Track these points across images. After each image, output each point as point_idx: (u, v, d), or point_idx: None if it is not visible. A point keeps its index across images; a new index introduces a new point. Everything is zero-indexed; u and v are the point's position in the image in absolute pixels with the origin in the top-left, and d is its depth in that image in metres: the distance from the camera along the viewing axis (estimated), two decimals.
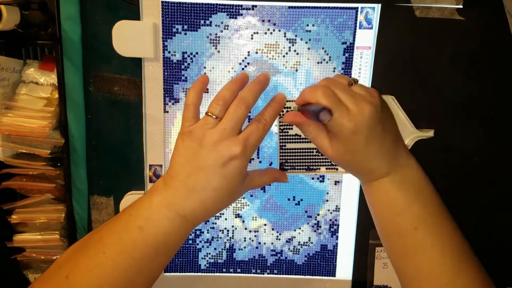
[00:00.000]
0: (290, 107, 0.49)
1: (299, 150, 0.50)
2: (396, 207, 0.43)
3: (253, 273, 0.57)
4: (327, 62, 0.51)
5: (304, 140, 0.50)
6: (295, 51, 0.51)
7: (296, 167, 0.51)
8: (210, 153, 0.40)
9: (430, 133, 0.50)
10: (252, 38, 0.50)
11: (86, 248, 0.40)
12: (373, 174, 0.44)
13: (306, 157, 0.50)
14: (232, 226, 0.56)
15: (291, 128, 0.51)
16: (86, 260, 0.39)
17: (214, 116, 0.42)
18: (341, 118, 0.40)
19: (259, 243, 0.56)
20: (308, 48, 0.50)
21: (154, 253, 0.40)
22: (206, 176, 0.40)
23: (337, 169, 0.50)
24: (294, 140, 0.50)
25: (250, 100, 0.43)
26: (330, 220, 0.55)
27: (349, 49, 0.50)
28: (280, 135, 0.50)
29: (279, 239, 0.56)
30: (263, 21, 0.50)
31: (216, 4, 0.49)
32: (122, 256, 0.38)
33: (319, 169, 0.49)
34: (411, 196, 0.43)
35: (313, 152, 0.50)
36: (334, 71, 0.51)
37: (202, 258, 0.57)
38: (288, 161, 0.50)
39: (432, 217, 0.43)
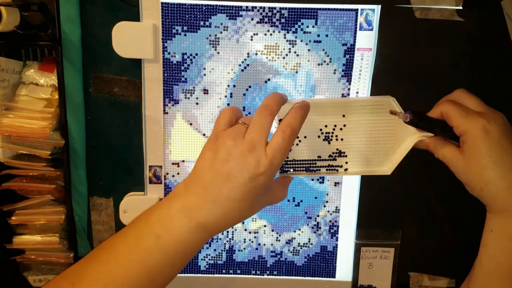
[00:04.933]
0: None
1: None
2: None
3: (253, 274, 0.57)
4: (327, 64, 0.51)
5: (304, 140, 0.50)
6: (295, 52, 0.51)
7: (297, 169, 0.51)
8: (239, 165, 0.38)
9: (430, 134, 0.50)
10: (251, 40, 0.50)
11: (96, 254, 0.39)
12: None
13: (307, 159, 0.50)
14: (232, 227, 0.56)
15: None
16: (95, 267, 0.37)
17: (246, 125, 0.40)
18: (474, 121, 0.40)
19: (259, 244, 0.56)
20: (308, 50, 0.50)
21: (170, 263, 0.38)
22: (232, 187, 0.38)
23: (337, 170, 0.50)
24: (294, 142, 0.50)
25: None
26: (330, 221, 0.55)
27: (350, 51, 0.50)
28: None
29: (279, 240, 0.56)
30: (262, 22, 0.50)
31: (216, 5, 0.49)
32: (135, 265, 0.37)
33: (319, 170, 0.49)
34: None
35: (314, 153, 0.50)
36: (334, 73, 0.51)
37: (201, 259, 0.57)
38: (289, 163, 0.50)
39: None
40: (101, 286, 0.36)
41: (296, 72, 0.51)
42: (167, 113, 0.52)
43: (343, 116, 0.48)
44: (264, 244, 0.56)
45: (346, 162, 0.48)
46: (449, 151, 0.43)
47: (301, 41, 0.50)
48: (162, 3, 0.49)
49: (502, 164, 0.40)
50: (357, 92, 0.51)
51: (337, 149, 0.48)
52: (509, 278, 0.41)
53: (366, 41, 0.50)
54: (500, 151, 0.40)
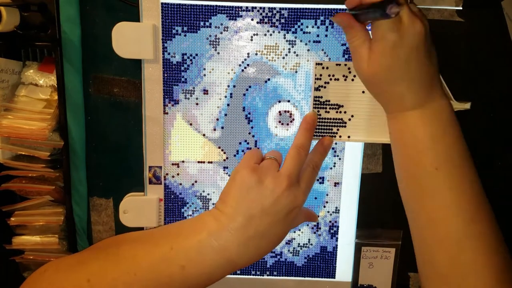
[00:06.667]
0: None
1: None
2: (421, 145, 0.40)
3: (253, 274, 0.57)
4: None
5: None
6: (294, 52, 0.51)
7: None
8: (279, 200, 0.40)
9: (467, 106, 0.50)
10: (251, 40, 0.50)
11: (114, 256, 0.39)
12: (403, 102, 0.40)
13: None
14: None
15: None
16: (114, 272, 0.37)
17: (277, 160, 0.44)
18: (390, 25, 0.38)
19: None
20: (308, 50, 0.50)
21: None
22: (269, 222, 0.39)
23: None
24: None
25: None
26: (330, 221, 0.55)
27: (349, 51, 0.50)
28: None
29: None
30: (262, 22, 0.50)
31: (216, 5, 0.49)
32: (155, 285, 0.37)
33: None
34: (438, 134, 0.40)
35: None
36: None
37: None
38: None
39: (455, 159, 0.40)
40: None
41: (296, 72, 0.51)
42: (167, 113, 0.52)
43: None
44: None
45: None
46: (363, 47, 0.41)
47: (301, 41, 0.50)
48: (162, 3, 0.49)
49: (398, 77, 0.40)
50: None
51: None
52: (414, 166, 0.41)
53: None
54: (401, 67, 0.39)
